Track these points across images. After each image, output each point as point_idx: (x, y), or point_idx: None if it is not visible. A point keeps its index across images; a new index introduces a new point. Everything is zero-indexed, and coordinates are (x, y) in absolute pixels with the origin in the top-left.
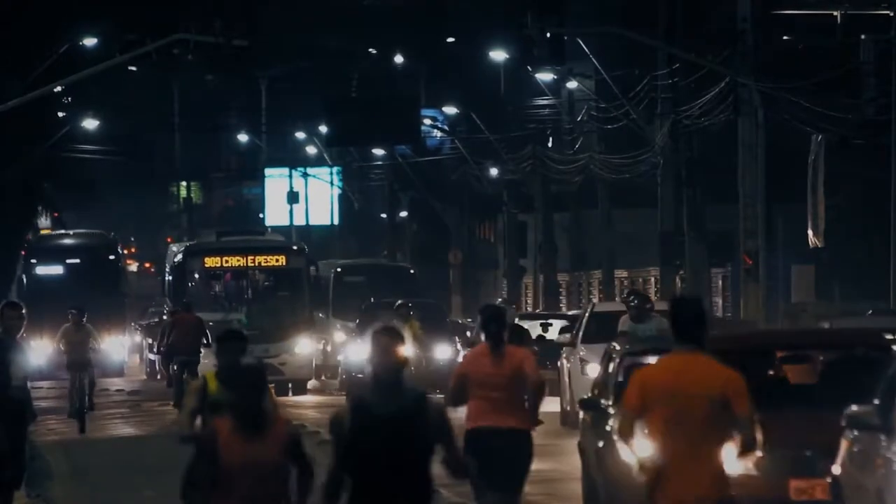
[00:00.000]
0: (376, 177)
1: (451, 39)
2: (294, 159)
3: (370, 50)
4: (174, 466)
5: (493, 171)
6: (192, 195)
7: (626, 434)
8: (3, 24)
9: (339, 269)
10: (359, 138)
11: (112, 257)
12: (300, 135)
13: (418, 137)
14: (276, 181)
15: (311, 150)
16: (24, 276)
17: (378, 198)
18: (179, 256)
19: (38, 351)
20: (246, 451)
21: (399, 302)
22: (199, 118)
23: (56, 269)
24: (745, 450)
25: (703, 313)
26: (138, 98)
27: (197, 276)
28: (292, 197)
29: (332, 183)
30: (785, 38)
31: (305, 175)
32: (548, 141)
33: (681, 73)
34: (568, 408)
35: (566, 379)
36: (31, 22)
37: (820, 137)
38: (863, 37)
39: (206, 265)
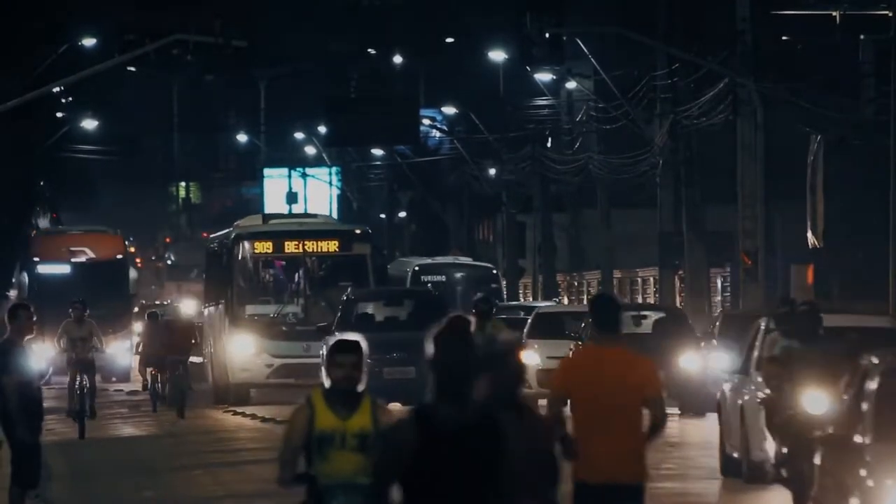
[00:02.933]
0: (375, 177)
1: (450, 39)
2: (293, 159)
3: (370, 50)
4: (174, 467)
5: (493, 172)
6: (191, 195)
7: (554, 414)
8: (3, 24)
9: (417, 268)
10: (358, 138)
11: (119, 256)
12: (299, 135)
13: (417, 138)
14: (274, 181)
15: (310, 150)
16: (26, 275)
17: (377, 198)
18: (223, 243)
19: (41, 354)
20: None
21: (479, 296)
22: (199, 118)
23: (61, 268)
24: (655, 427)
25: (619, 308)
26: (137, 98)
27: (244, 264)
28: (291, 197)
29: (330, 183)
30: (784, 38)
31: (304, 175)
32: (547, 141)
33: (680, 73)
34: (736, 455)
35: (735, 418)
36: (32, 22)
37: (819, 137)
38: (862, 37)
39: (256, 251)
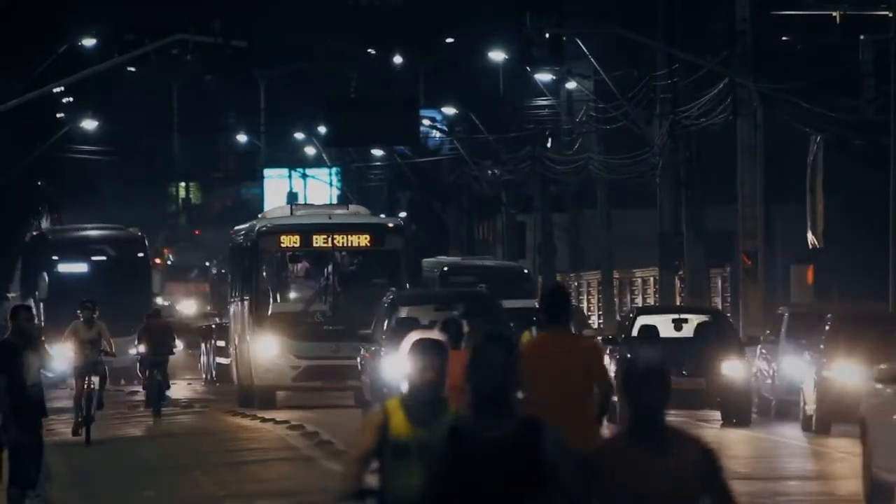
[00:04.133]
0: (375, 177)
1: (450, 39)
2: (293, 160)
3: (369, 50)
4: (174, 466)
5: (493, 172)
6: (191, 195)
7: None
8: (3, 24)
9: (445, 269)
10: (358, 139)
11: (141, 254)
12: (299, 135)
13: (417, 138)
14: (274, 181)
15: (310, 150)
16: (45, 274)
17: (377, 198)
18: (247, 236)
19: (61, 356)
20: (646, 473)
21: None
22: (198, 119)
23: (81, 267)
24: (602, 404)
25: (568, 300)
26: (138, 99)
27: (269, 259)
28: (291, 198)
29: (330, 183)
30: (784, 38)
31: (304, 176)
32: (547, 141)
33: (680, 73)
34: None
35: (891, 436)
36: (32, 22)
37: (819, 138)
38: (862, 37)
39: (282, 245)
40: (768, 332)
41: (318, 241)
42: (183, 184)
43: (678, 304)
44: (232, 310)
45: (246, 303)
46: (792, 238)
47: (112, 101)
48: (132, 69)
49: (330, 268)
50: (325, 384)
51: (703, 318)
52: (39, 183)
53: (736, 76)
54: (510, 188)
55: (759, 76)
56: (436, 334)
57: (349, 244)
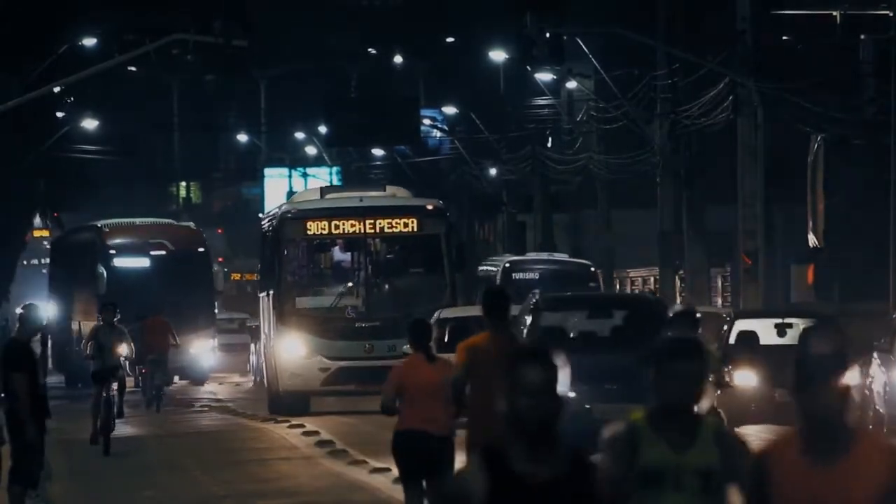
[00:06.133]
0: (375, 177)
1: (450, 39)
2: (293, 159)
3: (370, 50)
4: (174, 466)
5: (493, 171)
6: (192, 195)
7: (457, 388)
8: (4, 24)
9: (507, 265)
10: (358, 138)
11: (201, 249)
12: (299, 135)
13: (418, 137)
14: (275, 181)
15: (311, 150)
16: (103, 269)
17: None
18: (272, 223)
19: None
20: (814, 486)
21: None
22: (199, 118)
23: (140, 262)
24: None
25: (508, 300)
26: (138, 98)
27: (296, 246)
28: (291, 197)
29: (331, 183)
30: (785, 38)
31: (305, 175)
32: (547, 141)
33: (680, 73)
34: None
35: None
36: (32, 22)
37: (819, 137)
38: (862, 37)
39: (309, 232)
40: (882, 339)
41: (348, 226)
42: (183, 184)
43: (679, 303)
44: (261, 306)
45: (270, 297)
46: (792, 238)
47: (112, 101)
48: (132, 69)
49: (362, 256)
50: (359, 388)
51: (808, 322)
52: (42, 183)
53: (736, 76)
54: (510, 188)
55: (759, 76)
56: (688, 334)
57: (383, 229)
